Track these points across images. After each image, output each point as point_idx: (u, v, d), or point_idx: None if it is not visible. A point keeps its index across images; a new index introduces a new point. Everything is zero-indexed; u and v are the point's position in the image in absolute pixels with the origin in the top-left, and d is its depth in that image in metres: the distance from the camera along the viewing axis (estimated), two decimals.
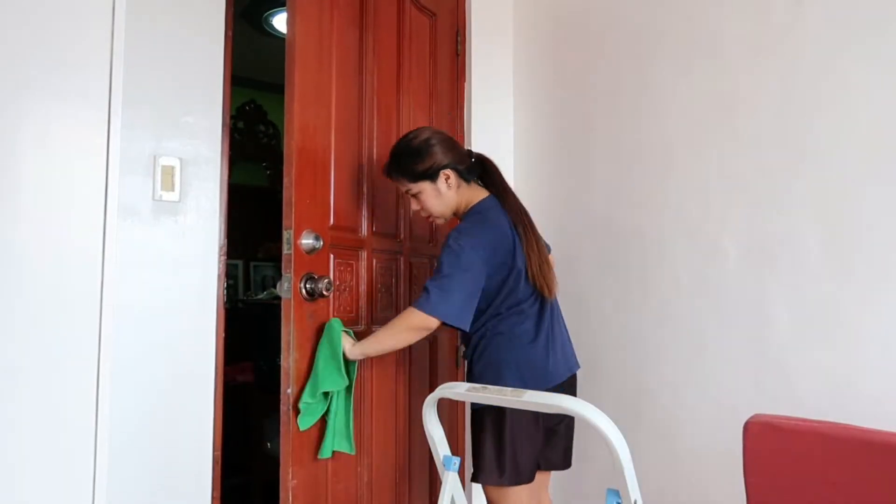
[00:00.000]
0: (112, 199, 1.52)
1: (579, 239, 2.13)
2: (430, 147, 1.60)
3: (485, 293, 1.54)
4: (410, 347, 1.79)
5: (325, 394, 1.51)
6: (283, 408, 1.48)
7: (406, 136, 1.66)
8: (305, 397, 1.48)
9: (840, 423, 1.18)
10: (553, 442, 1.65)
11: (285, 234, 1.50)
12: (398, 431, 1.87)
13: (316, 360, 1.52)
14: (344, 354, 1.53)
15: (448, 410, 2.08)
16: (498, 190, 1.66)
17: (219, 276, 1.68)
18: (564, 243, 2.12)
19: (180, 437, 1.59)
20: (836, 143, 1.57)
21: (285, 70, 1.52)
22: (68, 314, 1.46)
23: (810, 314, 1.60)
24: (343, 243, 1.68)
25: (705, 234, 1.82)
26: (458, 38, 2.30)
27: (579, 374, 1.71)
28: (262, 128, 4.36)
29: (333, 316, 1.62)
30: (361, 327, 1.73)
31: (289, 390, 1.47)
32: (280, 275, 1.52)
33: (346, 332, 1.56)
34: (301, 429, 1.49)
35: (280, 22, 3.46)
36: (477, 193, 1.66)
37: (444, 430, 1.42)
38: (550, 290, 1.59)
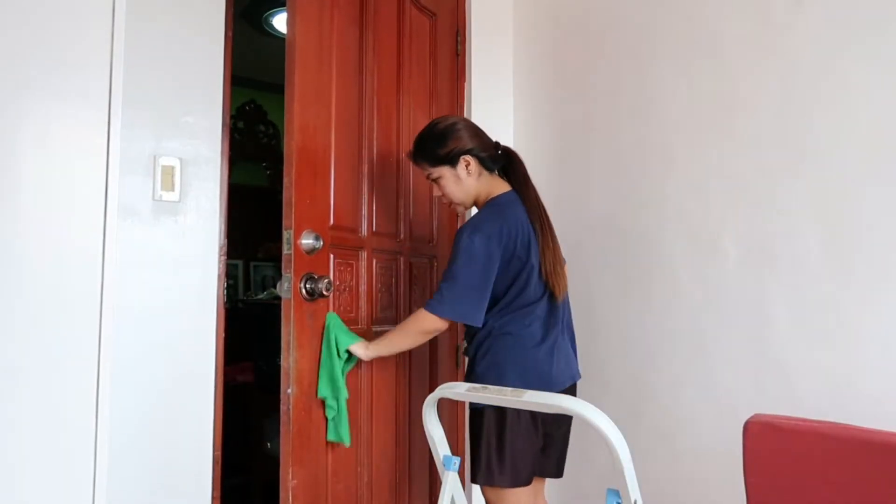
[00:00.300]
0: (112, 199, 1.52)
1: (579, 239, 2.13)
2: (454, 132, 1.61)
3: (496, 285, 1.54)
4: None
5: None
6: (283, 408, 1.48)
7: (433, 120, 1.69)
8: (329, 402, 1.54)
9: (840, 423, 1.18)
10: (548, 451, 1.63)
11: (285, 234, 1.50)
12: (398, 431, 1.87)
13: (321, 363, 1.55)
14: (349, 354, 1.57)
15: (448, 410, 2.08)
16: (520, 185, 1.64)
17: (219, 276, 1.68)
18: (564, 243, 2.10)
19: (180, 437, 1.59)
20: (837, 143, 1.57)
21: (285, 70, 1.52)
22: (68, 314, 1.46)
23: (810, 314, 1.60)
24: (343, 243, 1.68)
25: (705, 234, 1.82)
26: (458, 38, 2.30)
27: (580, 373, 1.71)
28: (262, 128, 4.36)
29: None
30: (361, 327, 1.73)
31: (289, 390, 1.47)
32: (280, 275, 1.53)
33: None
34: (329, 438, 1.57)
35: (280, 22, 3.46)
36: (498, 185, 1.65)
37: (444, 430, 1.42)
38: (559, 291, 1.58)
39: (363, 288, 1.75)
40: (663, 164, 1.94)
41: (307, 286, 1.51)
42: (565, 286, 1.61)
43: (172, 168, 1.61)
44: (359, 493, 1.71)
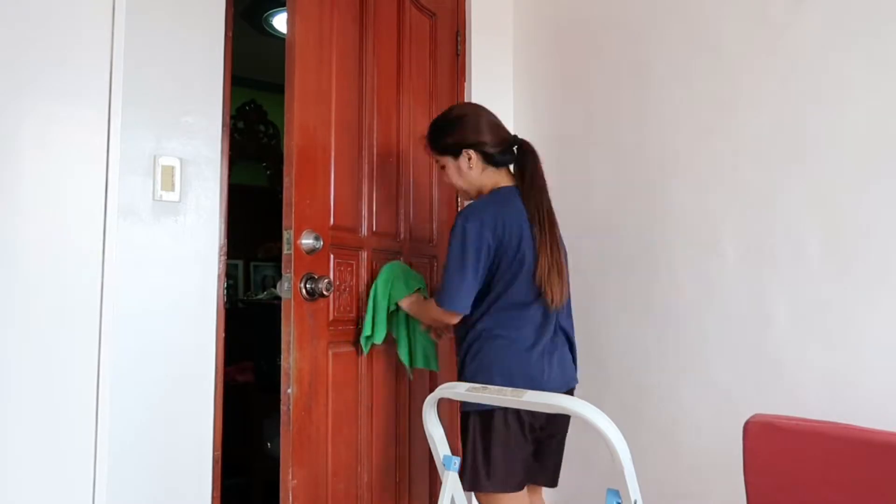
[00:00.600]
0: (112, 199, 1.52)
1: (579, 239, 2.12)
2: (461, 123, 1.63)
3: (487, 273, 1.54)
4: None
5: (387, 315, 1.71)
6: (283, 408, 1.48)
7: (451, 106, 1.75)
8: (365, 331, 1.69)
9: (840, 423, 1.18)
10: (542, 459, 1.62)
11: (285, 235, 1.50)
12: (398, 431, 1.87)
13: (373, 297, 1.70)
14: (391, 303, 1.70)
15: (448, 410, 2.08)
16: (524, 183, 1.61)
17: (219, 276, 1.68)
18: (564, 243, 2.11)
19: (180, 437, 1.59)
20: (836, 142, 1.57)
21: (285, 70, 1.52)
22: (68, 314, 1.46)
23: (810, 314, 1.60)
24: (343, 243, 1.68)
25: (705, 234, 1.82)
26: (458, 38, 2.30)
27: (580, 374, 1.71)
28: (262, 128, 4.36)
29: (333, 316, 1.63)
30: (361, 328, 1.73)
31: (289, 390, 1.47)
32: (280, 275, 1.53)
33: (419, 289, 1.74)
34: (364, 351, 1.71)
35: (280, 22, 3.46)
36: (501, 180, 1.64)
37: (444, 430, 1.42)
38: (553, 299, 1.52)
39: (363, 288, 1.75)
40: (663, 164, 1.94)
41: (307, 286, 1.51)
42: (562, 295, 1.55)
43: (172, 168, 1.61)
44: (359, 493, 1.71)
